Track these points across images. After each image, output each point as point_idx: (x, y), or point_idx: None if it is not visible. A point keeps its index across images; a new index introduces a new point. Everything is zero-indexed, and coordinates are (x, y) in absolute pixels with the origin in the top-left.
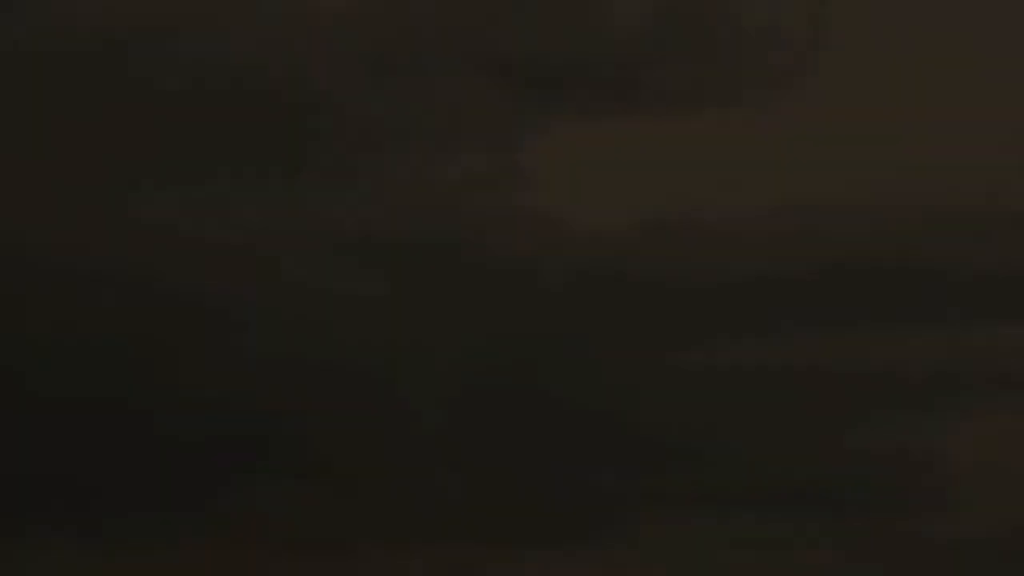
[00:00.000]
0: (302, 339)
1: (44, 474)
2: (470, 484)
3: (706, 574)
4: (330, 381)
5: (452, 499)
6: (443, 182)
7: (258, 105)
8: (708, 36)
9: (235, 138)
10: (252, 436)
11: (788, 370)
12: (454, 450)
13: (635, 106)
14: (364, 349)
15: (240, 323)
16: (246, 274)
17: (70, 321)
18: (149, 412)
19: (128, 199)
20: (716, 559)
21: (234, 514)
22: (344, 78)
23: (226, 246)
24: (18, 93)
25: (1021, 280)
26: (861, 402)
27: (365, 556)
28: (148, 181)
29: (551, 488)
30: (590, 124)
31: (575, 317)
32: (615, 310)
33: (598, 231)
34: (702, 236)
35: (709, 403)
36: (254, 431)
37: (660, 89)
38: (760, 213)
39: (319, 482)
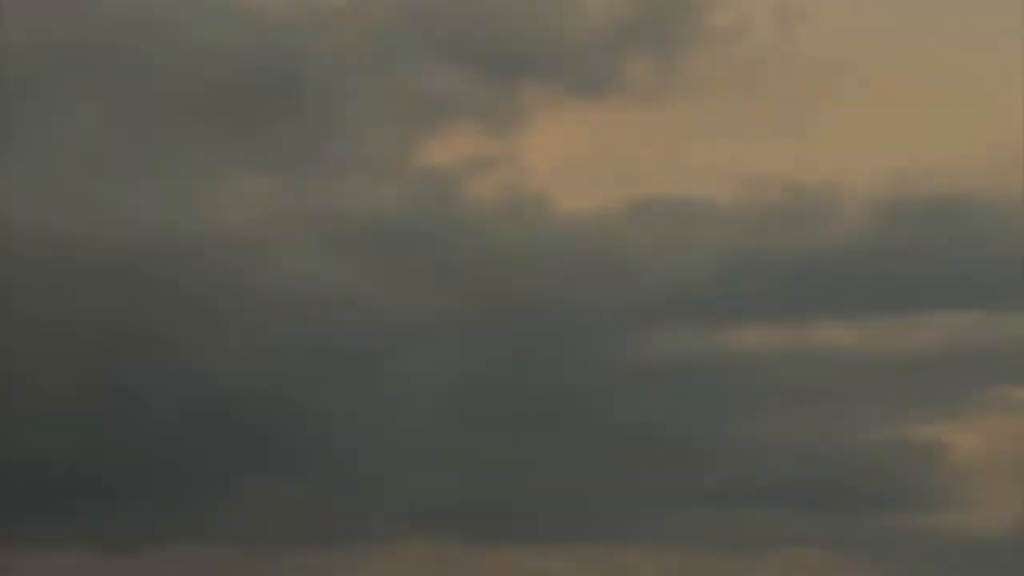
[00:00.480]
0: (296, 328)
1: (40, 473)
2: (468, 479)
3: (708, 568)
4: (322, 371)
5: (448, 495)
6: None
7: (256, 97)
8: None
9: (234, 129)
10: (239, 434)
11: (785, 356)
12: (448, 444)
13: (606, 96)
14: (359, 336)
15: (234, 314)
16: (241, 266)
17: (65, 315)
18: (140, 409)
19: (125, 188)
20: (717, 553)
21: (220, 513)
22: (342, 69)
23: (222, 236)
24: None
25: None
26: (864, 391)
27: (347, 552)
28: (145, 170)
29: (549, 483)
30: (573, 112)
31: (569, 299)
32: (608, 290)
33: (586, 212)
34: (686, 216)
35: (705, 389)
36: (241, 429)
37: (636, 80)
38: (739, 194)
39: (308, 479)
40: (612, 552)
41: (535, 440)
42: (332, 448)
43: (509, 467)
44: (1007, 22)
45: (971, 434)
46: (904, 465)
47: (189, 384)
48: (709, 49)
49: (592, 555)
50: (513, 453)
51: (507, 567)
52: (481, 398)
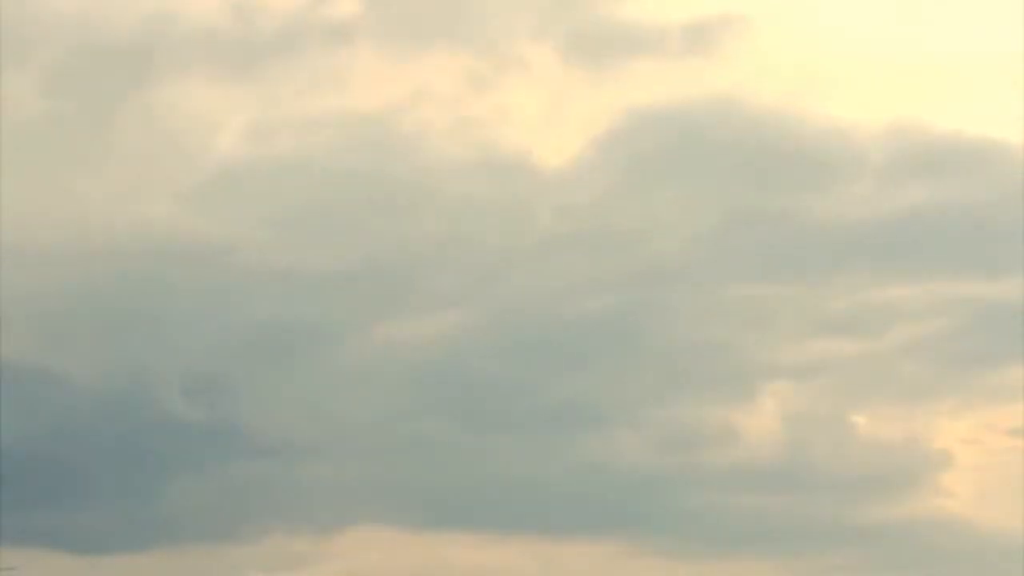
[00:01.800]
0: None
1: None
2: (421, 465)
3: (708, 559)
4: (289, 356)
5: (401, 481)
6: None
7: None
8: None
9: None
10: (200, 422)
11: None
12: (405, 430)
13: None
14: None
15: (187, 296)
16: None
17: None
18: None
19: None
20: (719, 543)
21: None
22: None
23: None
24: None
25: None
26: (866, 380)
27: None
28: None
29: (507, 471)
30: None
31: (559, 262)
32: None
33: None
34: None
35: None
36: (202, 416)
37: None
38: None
39: (265, 465)
40: (576, 547)
41: (497, 425)
42: (285, 435)
43: (465, 454)
44: None
45: (982, 424)
46: (905, 456)
47: (142, 369)
48: None
49: (542, 549)
50: (472, 440)
51: (486, 557)
52: (445, 384)
